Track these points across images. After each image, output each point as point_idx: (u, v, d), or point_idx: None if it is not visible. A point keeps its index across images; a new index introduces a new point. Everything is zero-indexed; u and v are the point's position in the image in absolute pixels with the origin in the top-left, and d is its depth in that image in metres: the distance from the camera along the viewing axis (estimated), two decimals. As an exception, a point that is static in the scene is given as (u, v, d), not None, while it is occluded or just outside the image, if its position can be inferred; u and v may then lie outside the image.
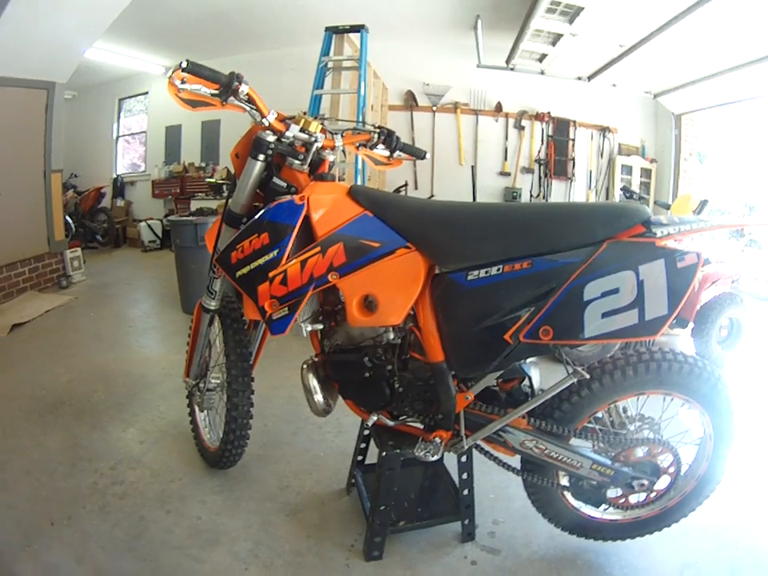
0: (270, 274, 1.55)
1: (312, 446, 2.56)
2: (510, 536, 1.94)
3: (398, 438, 1.75)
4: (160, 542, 1.91)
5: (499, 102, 7.29)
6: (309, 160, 1.66)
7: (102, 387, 3.16)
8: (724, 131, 7.58)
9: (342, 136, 1.79)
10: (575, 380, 1.50)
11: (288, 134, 1.62)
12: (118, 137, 10.03)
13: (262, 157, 1.64)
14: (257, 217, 1.59)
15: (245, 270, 1.61)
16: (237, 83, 1.50)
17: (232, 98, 1.53)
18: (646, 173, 7.53)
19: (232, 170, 8.02)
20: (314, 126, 1.65)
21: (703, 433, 1.67)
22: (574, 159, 7.43)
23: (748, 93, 6.20)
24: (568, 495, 1.77)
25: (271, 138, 1.62)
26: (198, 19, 6.32)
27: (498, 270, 1.43)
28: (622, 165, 7.43)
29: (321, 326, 1.69)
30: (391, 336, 1.63)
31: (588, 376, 1.50)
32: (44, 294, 5.41)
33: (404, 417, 1.73)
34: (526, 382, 1.68)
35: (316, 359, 1.77)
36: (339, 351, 1.71)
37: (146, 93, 9.48)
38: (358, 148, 1.94)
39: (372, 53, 4.64)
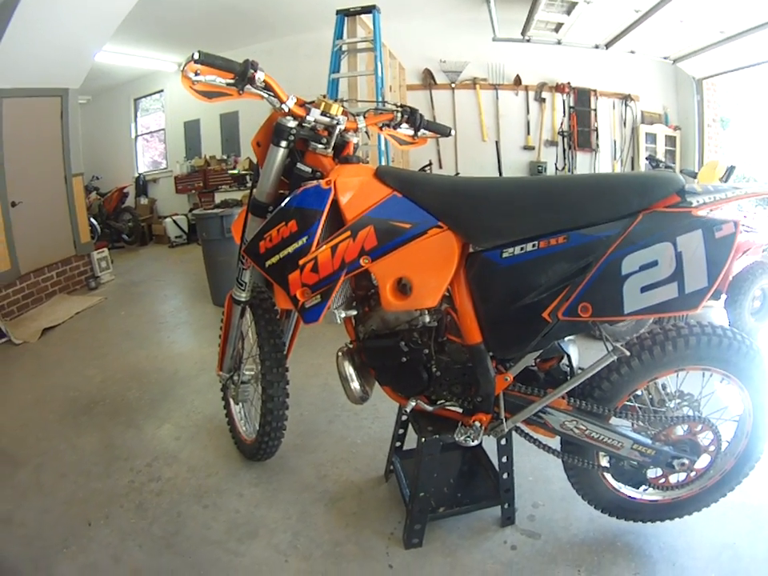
0: (301, 262, 1.53)
1: (349, 433, 2.55)
2: (549, 519, 1.93)
3: (436, 423, 1.72)
4: (198, 537, 1.92)
5: (518, 75, 7.16)
6: (332, 143, 1.62)
7: (135, 385, 3.19)
8: (746, 95, 7.41)
9: (364, 117, 1.76)
10: (615, 358, 1.46)
11: (309, 118, 1.59)
12: (136, 136, 10.13)
13: (284, 143, 1.61)
14: (283, 204, 1.57)
15: (274, 260, 1.58)
16: (252, 71, 1.46)
17: (248, 86, 1.49)
18: (671, 140, 7.34)
19: (254, 160, 8.00)
20: (335, 109, 1.61)
21: (742, 409, 1.64)
22: (597, 130, 7.28)
23: (761, 56, 6.02)
24: (608, 476, 1.74)
25: (292, 123, 1.59)
26: (208, 12, 6.30)
27: (534, 246, 1.39)
28: (646, 133, 7.24)
29: (354, 312, 1.66)
30: (427, 319, 1.60)
31: (628, 353, 1.47)
32: (73, 296, 5.47)
33: (442, 401, 1.70)
34: (565, 360, 1.64)
35: (351, 346, 1.75)
36: (374, 337, 1.69)
37: (161, 91, 9.54)
38: (381, 128, 1.90)
39: (386, 33, 4.58)
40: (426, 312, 1.60)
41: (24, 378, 3.49)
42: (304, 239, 1.51)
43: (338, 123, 1.62)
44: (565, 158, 7.34)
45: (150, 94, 9.81)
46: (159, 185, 9.73)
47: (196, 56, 1.39)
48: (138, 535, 1.93)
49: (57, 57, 5.01)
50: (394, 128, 1.90)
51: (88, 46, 5.32)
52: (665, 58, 6.90)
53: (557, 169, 7.38)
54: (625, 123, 7.36)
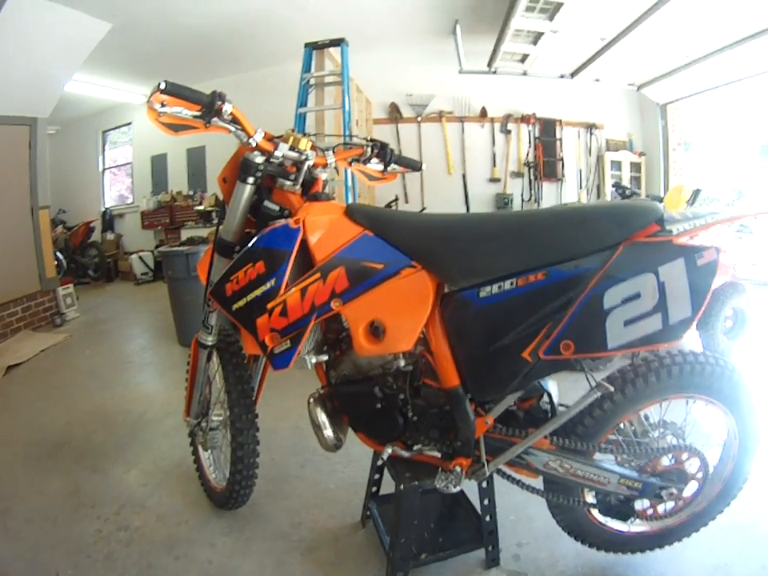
0: (269, 306, 1.45)
1: (322, 478, 2.46)
2: (535, 558, 1.86)
3: (415, 469, 1.64)
4: (170, 591, 1.80)
5: (484, 107, 7.26)
6: (301, 179, 1.57)
7: (101, 428, 3.07)
8: (706, 118, 7.59)
9: (333, 152, 1.71)
10: (599, 394, 1.42)
11: (277, 153, 1.53)
12: (104, 169, 10.04)
13: (251, 180, 1.54)
14: (250, 245, 1.49)
15: (241, 303, 1.50)
16: (219, 102, 1.40)
17: (215, 118, 1.43)
18: (636, 167, 7.49)
19: (220, 196, 7.99)
20: (304, 144, 1.56)
21: (728, 433, 1.61)
22: (562, 159, 7.40)
23: (729, 77, 6.18)
24: (594, 512, 1.69)
25: (260, 158, 1.53)
26: (178, 44, 6.29)
27: (512, 283, 1.35)
28: (611, 161, 7.39)
29: (326, 358, 1.59)
30: (402, 363, 1.53)
31: (612, 389, 1.43)
32: (38, 333, 5.34)
33: (420, 446, 1.63)
34: (545, 398, 1.59)
35: (322, 392, 1.66)
36: (347, 382, 1.62)
37: (130, 123, 9.48)
38: (350, 164, 1.85)
39: (353, 67, 4.59)
40: (401, 356, 1.53)
41: (-12, 416, 3.35)
42: (272, 281, 1.44)
43: (306, 159, 1.56)
44: (531, 189, 7.41)
45: (119, 127, 9.74)
46: (125, 220, 9.59)
47: (162, 86, 1.32)
48: (107, 588, 1.81)
49: (26, 84, 4.97)
50: (364, 163, 1.85)
51: (58, 75, 5.31)
52: (629, 85, 7.08)
53: (523, 200, 7.46)
54: (590, 152, 7.50)
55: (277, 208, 1.54)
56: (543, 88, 7.09)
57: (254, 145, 1.50)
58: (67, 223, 9.06)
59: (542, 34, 5.24)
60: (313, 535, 2.06)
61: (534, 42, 5.52)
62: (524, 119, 7.27)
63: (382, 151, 1.83)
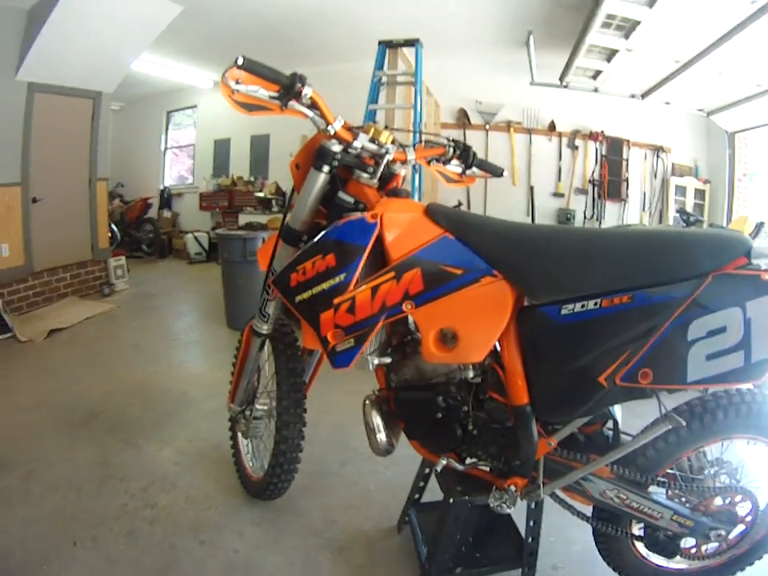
0: (336, 301, 1.40)
1: (362, 478, 2.42)
2: None
3: (466, 483, 1.59)
4: (191, 575, 1.79)
5: (552, 121, 7.13)
6: (379, 173, 1.52)
7: (139, 402, 3.08)
8: None
9: (414, 149, 1.66)
10: (670, 427, 1.35)
11: (356, 143, 1.49)
12: (166, 149, 10.20)
13: (326, 168, 1.50)
14: (322, 235, 1.44)
15: (306, 295, 1.45)
16: (299, 85, 1.36)
17: (293, 102, 1.39)
18: (700, 194, 7.24)
19: (282, 185, 8.07)
20: (385, 137, 1.51)
21: None
22: (627, 180, 7.20)
23: None
24: (639, 545, 1.63)
25: (337, 147, 1.48)
26: (248, 33, 6.34)
27: (596, 304, 1.28)
28: (676, 185, 7.15)
29: (389, 360, 1.55)
30: (470, 374, 1.48)
31: (684, 423, 1.35)
32: (85, 300, 5.43)
33: (475, 460, 1.58)
34: (609, 424, 1.52)
35: (380, 394, 1.62)
36: (408, 387, 1.57)
37: (195, 106, 9.61)
38: (429, 163, 1.79)
39: (424, 70, 4.54)
40: (470, 366, 1.48)
41: (25, 377, 3.42)
42: (342, 276, 1.39)
43: (386, 152, 1.51)
44: (594, 207, 7.25)
45: (183, 108, 9.88)
46: (184, 200, 9.73)
47: (240, 61, 1.29)
48: (126, 564, 1.81)
49: (92, 60, 5.07)
50: (444, 163, 1.80)
51: (125, 52, 5.41)
52: (699, 110, 6.86)
53: (585, 217, 7.31)
54: (655, 175, 7.27)
55: (352, 200, 1.50)
56: (613, 106, 6.91)
57: (332, 132, 1.46)
58: (125, 197, 9.27)
59: (617, 51, 5.11)
60: (346, 535, 2.02)
61: (608, 60, 5.39)
62: (592, 136, 7.10)
63: (464, 153, 1.77)
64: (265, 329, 1.87)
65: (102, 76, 5.40)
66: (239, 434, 2.23)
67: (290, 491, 2.16)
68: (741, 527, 1.55)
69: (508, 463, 1.50)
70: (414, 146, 1.69)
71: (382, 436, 1.56)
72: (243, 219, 7.12)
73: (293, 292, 1.48)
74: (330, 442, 2.73)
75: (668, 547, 1.55)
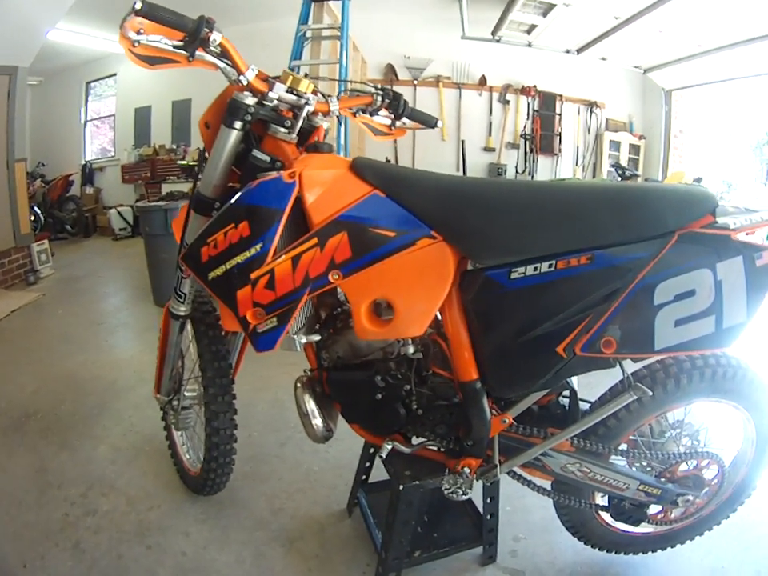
0: (253, 276, 1.19)
1: (304, 458, 2.25)
2: (532, 554, 1.75)
3: (415, 466, 1.44)
4: (143, 586, 1.63)
5: (483, 76, 6.98)
6: (298, 127, 1.31)
7: (70, 397, 2.84)
8: (704, 108, 7.44)
9: (337, 99, 1.44)
10: (635, 397, 1.25)
11: (272, 94, 1.27)
12: (86, 121, 9.53)
13: (238, 124, 1.28)
14: (233, 200, 1.22)
15: (219, 271, 1.23)
16: (206, 30, 1.15)
17: (201, 51, 1.19)
18: (634, 149, 7.36)
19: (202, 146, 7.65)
20: (305, 86, 1.30)
21: (745, 439, 1.52)
22: (560, 134, 7.20)
23: (737, 72, 6.13)
24: (603, 513, 1.57)
25: (250, 100, 1.26)
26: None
27: (550, 266, 1.13)
28: (610, 140, 7.23)
29: (318, 338, 1.35)
30: (410, 350, 1.30)
31: (650, 393, 1.25)
32: (11, 291, 5.04)
33: (422, 439, 1.43)
34: (565, 393, 1.41)
35: (312, 375, 1.43)
36: (341, 367, 1.38)
37: (114, 75, 8.97)
38: (355, 114, 1.58)
39: (351, 24, 4.26)
40: (410, 341, 1.30)
41: (-49, 380, 3.11)
42: (258, 246, 1.18)
43: (306, 103, 1.30)
44: (526, 162, 7.20)
45: (104, 78, 9.21)
46: (106, 174, 9.16)
47: (138, 5, 1.07)
48: (76, 582, 1.63)
49: (5, 32, 4.64)
50: (371, 114, 1.59)
51: (40, 22, 4.98)
52: (635, 67, 6.91)
53: (517, 172, 7.26)
54: (589, 129, 7.32)
55: (267, 159, 1.28)
56: (547, 61, 6.84)
57: (244, 83, 1.25)
58: (46, 177, 8.63)
59: (554, 6, 5.03)
60: (295, 524, 1.88)
61: (544, 14, 5.29)
62: (524, 91, 7.02)
63: (393, 102, 1.56)
64: (182, 310, 1.65)
65: (16, 49, 4.95)
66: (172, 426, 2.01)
67: (232, 480, 2.00)
68: (708, 490, 1.50)
69: (459, 443, 1.35)
70: (337, 96, 1.48)
71: (317, 421, 1.37)
72: (166, 189, 6.86)
73: (205, 268, 1.26)
74: (267, 421, 2.55)
75: (634, 515, 1.51)
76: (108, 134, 9.57)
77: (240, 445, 1.90)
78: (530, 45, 6.26)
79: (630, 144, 7.30)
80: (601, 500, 1.53)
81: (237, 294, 1.21)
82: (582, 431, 1.33)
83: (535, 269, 1.13)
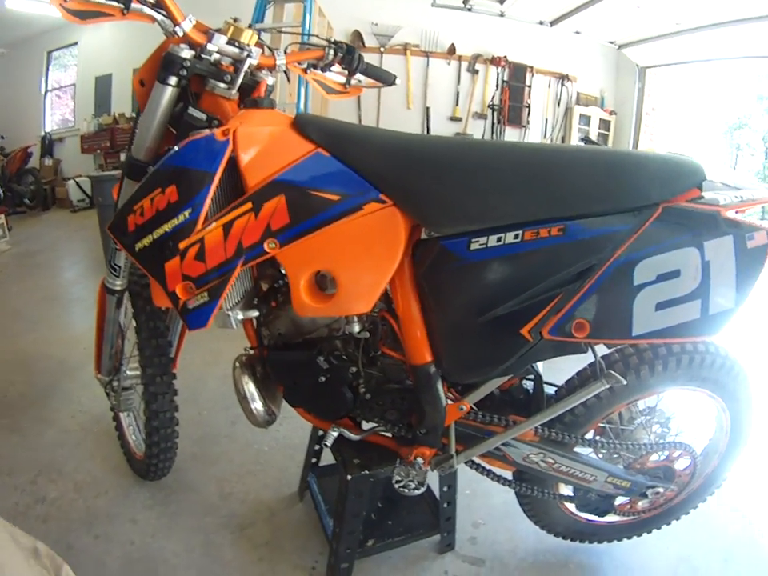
0: (181, 245, 1.03)
1: (254, 438, 2.12)
2: (492, 541, 1.67)
3: (365, 453, 1.32)
4: (92, 578, 1.50)
5: (453, 45, 6.71)
6: (238, 82, 1.14)
7: (20, 378, 2.67)
8: (679, 88, 7.40)
9: (285, 52, 1.27)
10: (608, 386, 1.12)
11: (210, 47, 1.11)
12: (46, 92, 9.12)
13: (173, 80, 1.12)
14: (160, 163, 1.04)
15: (146, 241, 1.06)
16: None
17: (135, 3, 1.05)
18: (605, 124, 7.22)
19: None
20: (248, 37, 1.15)
21: (719, 429, 1.44)
22: (529, 106, 7.00)
23: (714, 54, 6.09)
24: (569, 505, 1.50)
25: (187, 53, 1.10)
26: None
27: (516, 236, 0.99)
28: (580, 114, 7.07)
29: (256, 313, 1.19)
30: (356, 329, 1.15)
31: (625, 382, 1.13)
32: (-33, 268, 4.78)
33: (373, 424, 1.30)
34: (529, 377, 1.31)
35: (252, 354, 1.28)
36: (283, 346, 1.23)
37: (76, 43, 8.57)
38: (306, 71, 1.40)
39: (317, -12, 4.04)
40: (355, 318, 1.15)
41: None
42: (186, 213, 1.01)
43: (248, 56, 1.14)
44: (493, 132, 6.99)
45: (65, 47, 8.79)
46: (65, 144, 8.76)
47: None
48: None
49: None
50: (323, 70, 1.41)
51: None
52: (610, 43, 6.76)
53: (484, 142, 7.06)
54: (559, 103, 7.13)
55: (204, 117, 1.12)
56: (519, 32, 6.65)
57: (180, 35, 1.09)
58: (5, 150, 8.24)
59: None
60: (245, 509, 1.77)
61: (519, -17, 5.09)
62: (494, 61, 6.79)
63: (348, 56, 1.38)
64: (118, 284, 1.49)
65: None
66: (116, 407, 1.87)
67: (180, 462, 1.88)
68: (679, 481, 1.42)
69: (412, 431, 1.22)
70: (285, 49, 1.30)
71: (257, 405, 1.23)
72: (124, 157, 6.49)
73: (132, 238, 1.08)
74: (217, 398, 2.41)
75: (601, 507, 1.44)
76: (70, 105, 9.16)
77: (189, 423, 1.86)
78: (502, 15, 6.09)
79: (600, 119, 7.16)
80: (565, 490, 1.45)
81: (165, 267, 1.05)
82: (548, 419, 1.21)
83: (499, 239, 1.00)
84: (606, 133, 7.19)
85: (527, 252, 1.00)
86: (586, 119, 7.08)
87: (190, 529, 1.68)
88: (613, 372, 1.11)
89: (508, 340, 1.05)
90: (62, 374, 2.70)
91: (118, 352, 1.70)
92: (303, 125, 1.05)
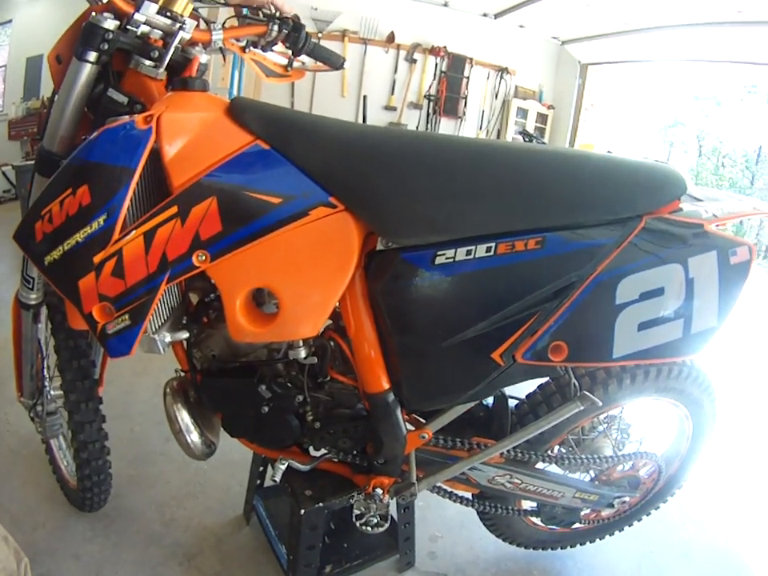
0: (96, 259, 0.84)
1: (191, 456, 1.96)
2: (452, 554, 1.62)
3: (317, 482, 1.17)
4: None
5: (392, 32, 6.49)
6: (167, 59, 0.96)
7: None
8: (618, 85, 7.49)
9: (223, 27, 1.09)
10: (582, 407, 1.02)
11: (138, 16, 0.92)
12: (-26, 74, 8.39)
13: (92, 55, 0.92)
14: (71, 158, 0.85)
15: (56, 254, 0.86)
16: None
17: None
18: (542, 118, 7.19)
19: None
20: (182, 6, 0.96)
21: (680, 434, 1.42)
22: (466, 98, 6.86)
23: (656, 55, 6.13)
24: (533, 519, 1.44)
25: (110, 23, 0.90)
26: None
27: (489, 250, 0.86)
28: (518, 108, 7.01)
29: (186, 335, 1.01)
30: (302, 354, 0.99)
31: (600, 403, 1.04)
32: None
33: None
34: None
35: (184, 378, 1.11)
36: (217, 370, 1.06)
37: (10, 21, 7.87)
38: (244, 49, 1.22)
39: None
40: (301, 343, 0.99)
41: None
42: (101, 219, 0.82)
43: (181, 28, 0.95)
44: (428, 123, 6.85)
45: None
46: (-8, 130, 8.06)
47: None
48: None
49: None
50: (263, 49, 1.22)
51: None
52: (553, 38, 6.72)
53: (418, 132, 6.95)
54: (497, 95, 7.02)
55: (125, 100, 0.95)
56: (461, 23, 6.53)
57: (104, 1, 0.91)
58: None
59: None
60: (189, 537, 1.61)
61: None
62: (433, 51, 6.62)
63: (293, 34, 1.20)
64: (33, 297, 1.29)
65: None
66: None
67: (117, 485, 1.70)
68: (644, 488, 1.40)
69: (368, 460, 1.08)
70: (223, 23, 1.12)
71: (194, 437, 1.06)
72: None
73: (40, 250, 0.88)
74: (149, 412, 2.22)
75: (566, 519, 1.36)
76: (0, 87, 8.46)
77: (122, 442, 1.70)
78: (446, 5, 5.99)
79: (537, 112, 7.12)
80: (527, 505, 1.38)
81: (79, 285, 0.86)
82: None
83: (468, 253, 0.86)
84: (543, 126, 7.19)
85: (501, 267, 0.87)
86: (523, 112, 7.04)
87: (134, 562, 1.53)
88: (588, 394, 1.01)
89: (477, 365, 0.92)
90: (-18, 388, 2.41)
91: (38, 372, 1.49)
92: (240, 111, 0.87)
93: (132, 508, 1.71)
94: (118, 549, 1.57)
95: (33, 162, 2.80)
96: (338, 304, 0.92)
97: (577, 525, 1.44)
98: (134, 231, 0.83)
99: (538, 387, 1.19)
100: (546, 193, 0.89)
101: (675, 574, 1.61)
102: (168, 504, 1.73)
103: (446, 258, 0.85)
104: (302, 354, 0.98)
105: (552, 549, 1.54)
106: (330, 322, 1.02)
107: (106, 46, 0.91)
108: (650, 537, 1.68)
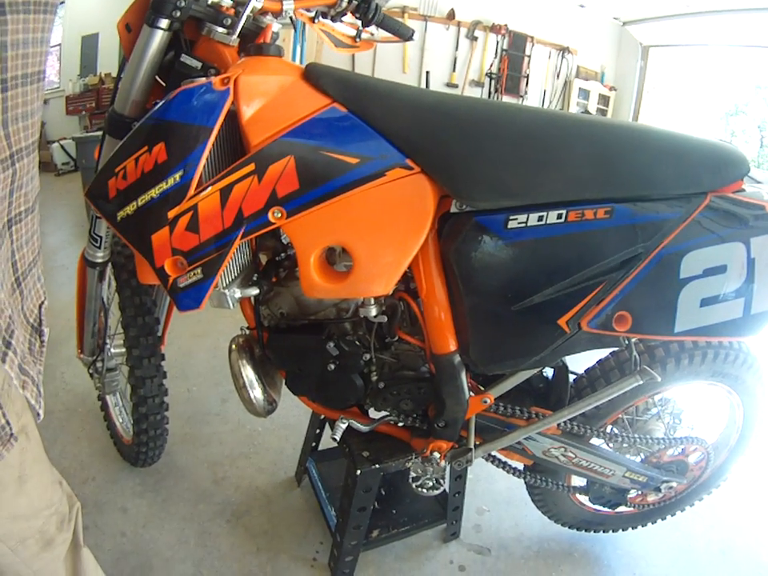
0: (171, 214, 0.87)
1: (248, 418, 1.98)
2: (497, 529, 1.64)
3: (374, 445, 1.21)
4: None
5: (452, 9, 6.41)
6: (240, 27, 0.98)
7: (-2, 354, 2.49)
8: (680, 70, 7.24)
9: None
10: (641, 382, 1.02)
11: None
12: (31, 52, 8.72)
13: (164, 22, 0.95)
14: (146, 117, 0.88)
15: (129, 209, 0.89)
16: None
17: None
18: (604, 100, 7.02)
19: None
20: None
21: (731, 424, 1.42)
22: (528, 77, 6.75)
23: (720, 40, 5.91)
24: (581, 497, 1.46)
25: None
26: None
27: (560, 217, 0.88)
28: (580, 88, 6.86)
29: (256, 291, 1.04)
30: (373, 312, 1.01)
31: (659, 379, 1.04)
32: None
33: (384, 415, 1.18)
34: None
35: (250, 335, 1.15)
36: (285, 328, 1.10)
37: (63, 2, 7.98)
38: (314, 20, 1.23)
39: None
40: (372, 301, 1.02)
41: None
42: (177, 175, 0.85)
43: None
44: (490, 101, 6.83)
45: (52, 6, 8.41)
46: (49, 106, 8.30)
47: None
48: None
49: None
50: (333, 19, 1.23)
51: None
52: (615, 18, 6.55)
53: (478, 111, 6.88)
54: (558, 75, 6.89)
55: (199, 65, 0.98)
56: (520, 1, 6.42)
57: None
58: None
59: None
60: (240, 495, 1.68)
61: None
62: (494, 29, 6.51)
63: (362, 5, 1.20)
64: (99, 256, 1.34)
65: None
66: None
67: (170, 443, 1.76)
68: (691, 476, 1.39)
69: (429, 423, 1.11)
70: None
71: (257, 393, 1.10)
72: (111, 119, 6.24)
73: (113, 206, 0.92)
74: (206, 373, 2.27)
75: (614, 500, 1.38)
76: (56, 66, 8.74)
77: (178, 401, 1.74)
78: (506, -18, 5.81)
79: (600, 94, 6.96)
80: (578, 482, 1.39)
81: (152, 239, 0.89)
82: None
83: (540, 218, 0.88)
84: (605, 108, 7.02)
85: (571, 234, 0.89)
86: (585, 93, 6.88)
87: (183, 518, 1.59)
88: (648, 368, 1.02)
89: (544, 330, 0.95)
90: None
91: (101, 330, 1.56)
92: (316, 76, 0.89)
93: (184, 465, 1.78)
94: (167, 503, 1.63)
95: (93, 133, 2.90)
96: (409, 266, 0.94)
97: (621, 508, 1.44)
98: (210, 187, 0.86)
99: (597, 362, 1.20)
100: (617, 164, 0.90)
101: (711, 572, 1.60)
102: (220, 463, 1.80)
103: (519, 223, 0.87)
104: (373, 312, 1.00)
105: (595, 531, 1.55)
106: (400, 284, 1.04)
107: (178, 14, 0.94)
108: (691, 530, 1.68)
